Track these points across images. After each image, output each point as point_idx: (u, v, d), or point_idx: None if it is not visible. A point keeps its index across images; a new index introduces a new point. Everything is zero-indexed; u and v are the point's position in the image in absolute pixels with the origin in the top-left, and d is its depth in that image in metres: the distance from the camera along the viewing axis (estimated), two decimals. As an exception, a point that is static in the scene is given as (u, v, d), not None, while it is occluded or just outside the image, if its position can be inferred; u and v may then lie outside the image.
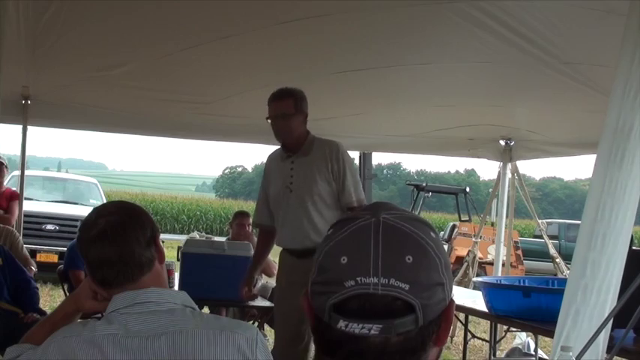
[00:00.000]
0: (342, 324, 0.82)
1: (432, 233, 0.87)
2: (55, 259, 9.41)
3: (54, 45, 3.87)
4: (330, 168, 3.58)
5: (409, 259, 0.82)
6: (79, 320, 1.67)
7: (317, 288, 0.87)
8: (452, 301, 0.88)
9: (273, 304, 4.98)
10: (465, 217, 14.54)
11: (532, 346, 5.66)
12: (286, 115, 3.56)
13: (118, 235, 1.50)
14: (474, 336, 6.15)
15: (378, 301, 0.81)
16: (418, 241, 0.84)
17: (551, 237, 11.70)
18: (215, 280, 4.43)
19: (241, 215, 6.04)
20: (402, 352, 0.83)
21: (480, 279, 4.80)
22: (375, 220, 0.85)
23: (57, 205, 11.03)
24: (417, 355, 0.84)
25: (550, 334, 2.74)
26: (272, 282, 5.79)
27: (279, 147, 3.82)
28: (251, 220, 5.98)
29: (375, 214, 0.86)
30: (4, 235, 5.10)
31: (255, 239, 5.93)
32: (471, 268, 7.60)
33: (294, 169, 3.65)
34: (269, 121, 3.63)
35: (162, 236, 1.62)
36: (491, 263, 9.93)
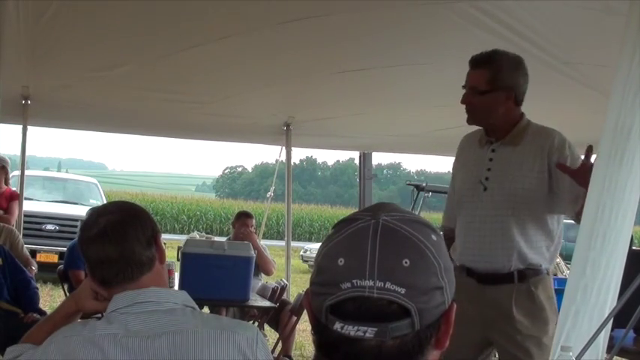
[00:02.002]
0: (337, 325, 0.83)
1: (433, 236, 0.86)
2: (55, 259, 9.40)
3: (54, 45, 3.88)
4: (547, 162, 2.62)
5: (406, 262, 0.82)
6: (79, 320, 1.67)
7: (315, 289, 0.87)
8: (453, 304, 0.87)
9: (273, 304, 4.99)
10: (465, 217, 14.52)
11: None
12: (476, 90, 2.71)
13: (118, 235, 1.50)
14: (473, 336, 6.14)
15: (373, 304, 0.81)
16: (417, 244, 0.84)
17: (551, 237, 11.67)
18: (215, 280, 4.43)
19: (244, 215, 6.05)
20: (398, 356, 0.83)
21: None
22: (374, 222, 0.85)
23: (57, 205, 11.03)
24: (414, 358, 0.84)
25: (550, 334, 2.74)
26: (272, 282, 5.79)
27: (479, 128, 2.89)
28: (253, 222, 5.98)
29: (375, 215, 0.86)
30: (4, 234, 5.10)
31: (256, 239, 5.95)
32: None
33: (495, 161, 2.71)
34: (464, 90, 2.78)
35: (162, 236, 1.62)
36: (491, 263, 9.90)
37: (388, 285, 0.81)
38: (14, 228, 5.42)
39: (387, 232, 0.84)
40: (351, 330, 0.82)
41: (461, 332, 2.78)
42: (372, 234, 0.84)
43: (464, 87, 2.75)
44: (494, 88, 2.66)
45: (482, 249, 2.67)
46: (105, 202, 10.24)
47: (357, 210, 1.07)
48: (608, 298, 1.88)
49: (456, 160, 2.96)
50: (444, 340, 0.87)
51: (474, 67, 2.71)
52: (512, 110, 2.71)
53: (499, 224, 2.64)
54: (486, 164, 2.72)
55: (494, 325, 2.66)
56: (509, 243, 2.61)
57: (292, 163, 6.87)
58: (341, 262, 0.83)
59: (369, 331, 0.81)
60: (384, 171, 72.77)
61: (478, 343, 2.73)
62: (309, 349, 6.64)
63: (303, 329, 6.78)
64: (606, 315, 1.83)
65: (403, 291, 0.81)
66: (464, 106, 2.80)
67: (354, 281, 0.82)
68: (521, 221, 2.62)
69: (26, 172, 6.62)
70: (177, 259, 4.63)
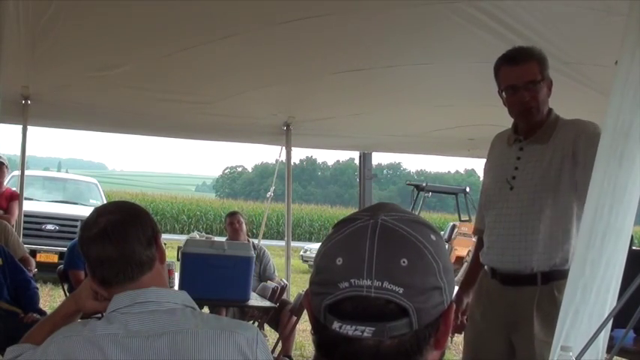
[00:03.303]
0: (336, 325, 0.83)
1: (432, 236, 0.86)
2: (55, 259, 9.41)
3: (54, 45, 3.88)
4: (571, 152, 2.52)
5: (404, 262, 0.82)
6: (79, 320, 1.67)
7: (314, 288, 0.87)
8: (452, 304, 0.87)
9: (273, 304, 4.99)
10: (465, 217, 14.54)
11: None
12: (534, 83, 2.55)
13: (118, 234, 1.50)
14: (473, 336, 6.14)
15: (371, 304, 0.81)
16: (415, 244, 0.84)
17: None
18: (215, 280, 4.43)
19: (230, 215, 6.13)
20: (396, 355, 0.83)
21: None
22: (373, 222, 0.85)
23: (57, 205, 11.04)
24: (413, 358, 0.84)
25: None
26: (271, 282, 5.79)
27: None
28: (240, 219, 6.02)
29: (374, 215, 0.86)
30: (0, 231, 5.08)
31: (244, 236, 5.98)
32: (470, 268, 7.58)
33: (522, 159, 2.63)
34: (504, 94, 2.63)
35: (162, 236, 1.62)
36: (491, 263, 9.91)
37: (386, 284, 0.81)
38: (8, 225, 5.40)
39: (386, 232, 0.84)
40: (349, 329, 0.82)
41: (485, 333, 2.70)
42: (370, 234, 0.84)
43: (503, 90, 2.62)
44: (543, 77, 2.58)
45: (506, 248, 2.63)
46: (105, 202, 10.24)
47: (357, 210, 1.07)
48: (608, 298, 1.88)
49: (486, 161, 2.89)
50: (443, 340, 0.87)
51: (518, 62, 2.58)
52: (548, 103, 2.65)
53: (524, 223, 2.59)
54: (514, 163, 2.66)
55: (516, 327, 2.62)
56: (534, 243, 2.56)
57: (292, 163, 6.88)
58: (339, 261, 0.84)
59: (367, 331, 0.81)
60: (384, 171, 72.84)
61: (505, 349, 2.66)
62: (309, 349, 6.64)
63: (303, 329, 6.78)
64: (606, 315, 1.83)
65: (401, 290, 0.81)
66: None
67: (352, 280, 0.82)
68: (548, 221, 2.55)
69: (26, 172, 6.61)
70: (178, 259, 4.63)
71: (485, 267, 2.76)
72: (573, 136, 2.53)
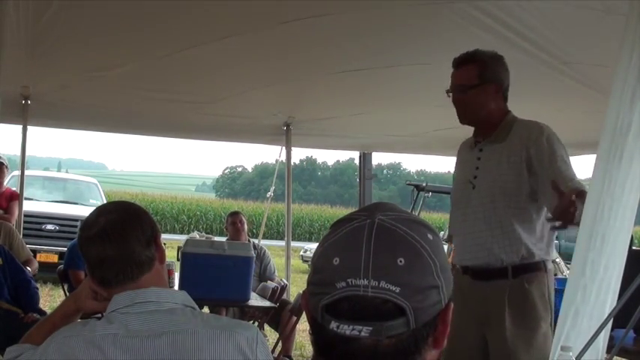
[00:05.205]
0: (333, 325, 0.83)
1: (429, 235, 0.86)
2: (55, 259, 9.41)
3: (54, 45, 3.88)
4: (524, 156, 2.62)
5: (401, 261, 0.82)
6: (79, 320, 1.67)
7: (312, 288, 0.87)
8: (449, 303, 0.87)
9: (273, 304, 4.99)
10: (465, 217, 14.49)
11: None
12: (463, 87, 2.71)
13: (117, 234, 1.50)
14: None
15: (368, 303, 0.81)
16: (412, 243, 0.84)
17: (551, 237, 11.64)
18: (215, 280, 4.43)
19: (232, 215, 6.14)
20: (393, 355, 0.83)
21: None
22: (369, 221, 0.85)
23: (57, 205, 11.04)
24: (411, 357, 0.84)
25: (550, 334, 2.74)
26: (271, 282, 5.80)
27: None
28: (242, 218, 6.02)
29: (371, 215, 0.86)
30: (3, 232, 5.08)
31: (245, 236, 5.98)
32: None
33: (482, 160, 2.75)
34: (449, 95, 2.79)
35: (162, 236, 1.62)
36: (491, 263, 9.89)
37: (383, 284, 0.81)
38: (13, 227, 5.41)
39: (383, 232, 0.84)
40: (347, 329, 0.82)
41: (459, 330, 2.60)
42: (367, 233, 0.84)
43: (448, 92, 2.77)
44: (483, 81, 2.69)
45: (473, 245, 2.71)
46: (105, 202, 10.24)
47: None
48: (608, 298, 1.88)
49: (455, 165, 3.02)
50: (441, 339, 0.87)
51: (459, 65, 2.75)
52: (501, 105, 2.76)
53: (488, 219, 2.67)
54: (475, 163, 2.77)
55: (488, 321, 2.66)
56: (499, 237, 2.64)
57: (292, 163, 6.88)
58: (336, 261, 0.84)
59: (364, 330, 0.81)
60: (384, 171, 72.79)
61: (479, 344, 2.70)
62: (309, 349, 6.64)
63: (303, 329, 6.78)
64: (606, 315, 1.83)
65: (398, 290, 0.81)
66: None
67: (349, 280, 0.82)
68: (508, 215, 2.63)
69: (26, 172, 6.62)
70: (178, 259, 4.63)
71: (457, 266, 2.81)
72: (524, 138, 2.65)
